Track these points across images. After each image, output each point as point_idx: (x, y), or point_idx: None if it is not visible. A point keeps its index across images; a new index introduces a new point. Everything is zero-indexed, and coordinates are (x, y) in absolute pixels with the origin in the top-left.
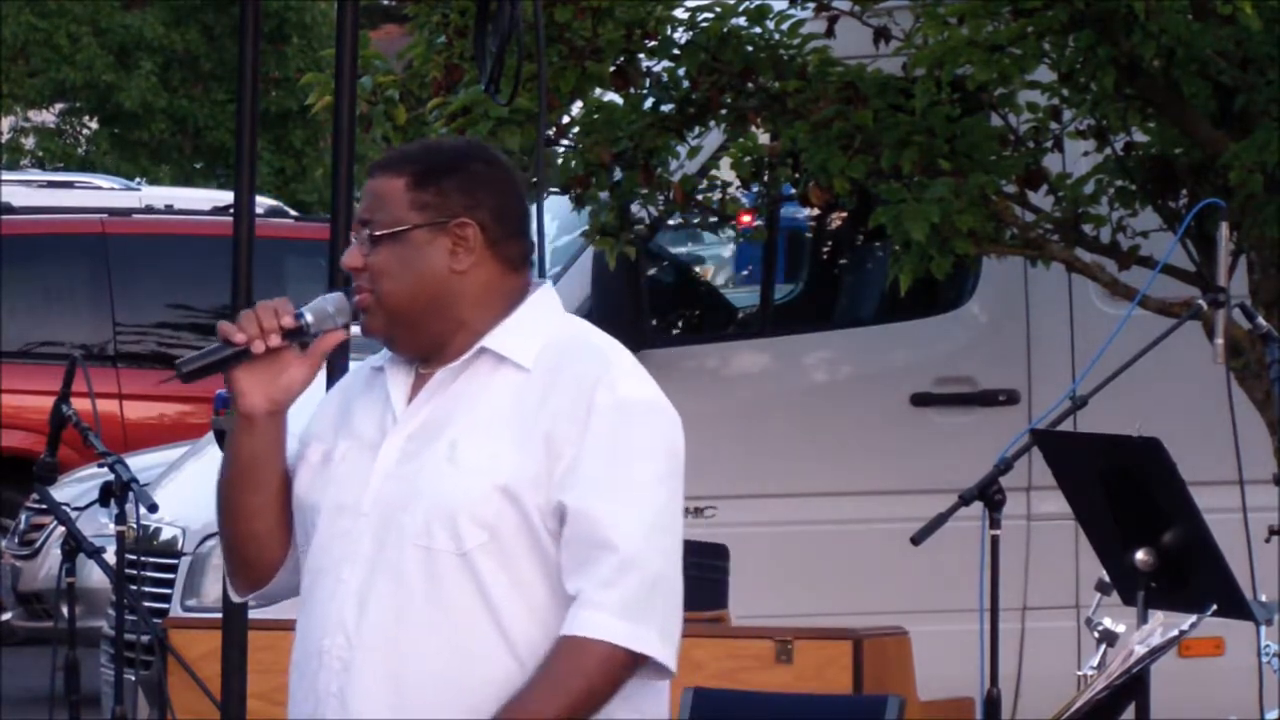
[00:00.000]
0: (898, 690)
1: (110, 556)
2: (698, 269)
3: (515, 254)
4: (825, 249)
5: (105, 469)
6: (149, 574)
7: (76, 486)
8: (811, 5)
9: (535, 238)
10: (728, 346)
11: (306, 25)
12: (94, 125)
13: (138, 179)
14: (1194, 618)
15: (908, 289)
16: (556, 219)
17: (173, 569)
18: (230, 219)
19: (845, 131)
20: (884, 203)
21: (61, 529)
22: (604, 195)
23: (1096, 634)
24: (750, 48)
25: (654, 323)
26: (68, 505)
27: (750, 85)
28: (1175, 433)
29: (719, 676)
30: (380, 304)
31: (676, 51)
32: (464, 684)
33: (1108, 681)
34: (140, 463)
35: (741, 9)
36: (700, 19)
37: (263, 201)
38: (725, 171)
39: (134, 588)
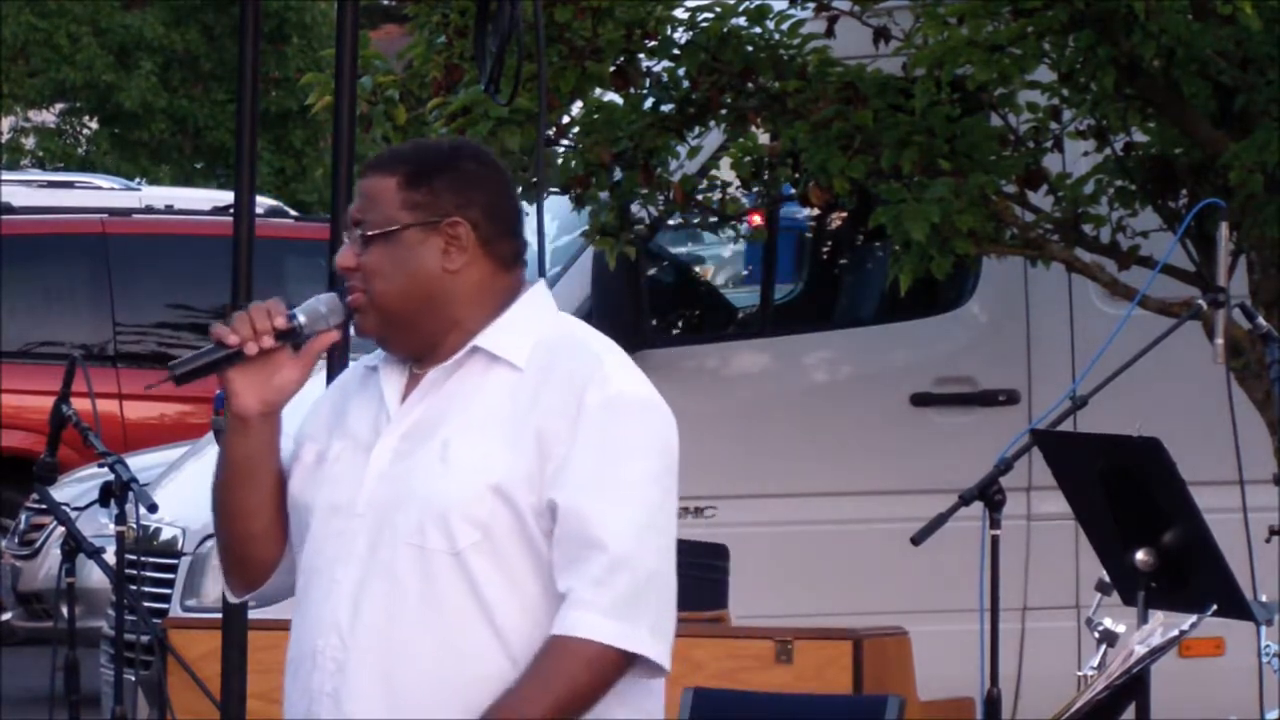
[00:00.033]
0: (898, 690)
1: (110, 556)
2: (698, 269)
3: (507, 253)
4: (825, 249)
5: (105, 469)
6: (149, 574)
7: (76, 486)
8: (811, 5)
9: (529, 236)
10: (728, 346)
11: (306, 25)
12: (94, 125)
13: (138, 179)
14: (1194, 618)
15: (908, 289)
16: (556, 219)
17: (172, 569)
18: (230, 219)
19: (845, 131)
20: (884, 203)
21: (61, 529)
22: (604, 195)
23: (1097, 634)
24: (750, 48)
25: (654, 323)
26: (68, 505)
27: (750, 85)
28: (1175, 433)
29: (719, 676)
30: (373, 304)
31: (676, 51)
32: (458, 683)
33: (1108, 682)
34: (140, 463)
35: (741, 9)
36: (700, 19)
37: (263, 201)
38: (725, 171)
39: (134, 588)
